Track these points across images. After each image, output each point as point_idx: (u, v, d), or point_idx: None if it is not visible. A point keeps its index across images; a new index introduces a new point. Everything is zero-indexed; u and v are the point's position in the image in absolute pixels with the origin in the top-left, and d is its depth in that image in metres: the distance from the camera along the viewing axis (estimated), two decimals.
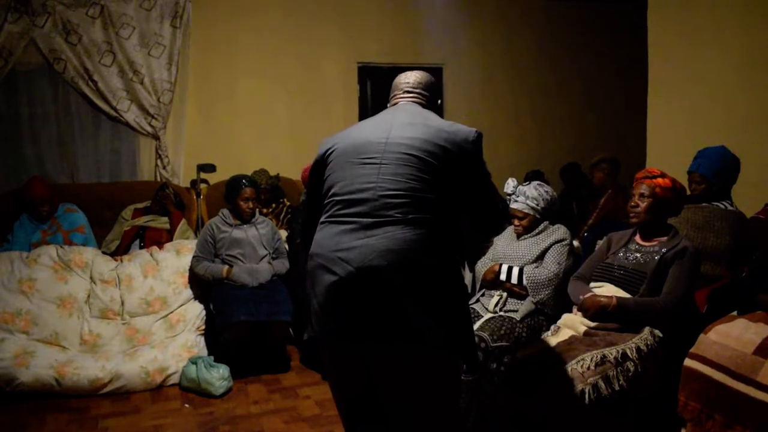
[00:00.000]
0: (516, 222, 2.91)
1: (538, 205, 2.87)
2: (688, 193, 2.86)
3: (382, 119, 1.86)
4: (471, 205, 1.82)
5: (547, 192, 2.94)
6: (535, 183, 2.99)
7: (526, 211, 2.87)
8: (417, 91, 1.94)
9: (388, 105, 1.98)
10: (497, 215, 1.91)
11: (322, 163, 1.85)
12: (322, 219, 1.79)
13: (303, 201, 4.15)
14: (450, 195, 1.74)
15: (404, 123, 1.80)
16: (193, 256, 3.60)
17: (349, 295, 1.65)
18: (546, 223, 2.93)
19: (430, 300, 1.66)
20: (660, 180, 2.47)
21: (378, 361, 1.71)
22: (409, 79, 1.96)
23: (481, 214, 1.86)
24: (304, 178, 3.89)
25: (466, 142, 1.78)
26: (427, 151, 1.73)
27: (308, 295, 1.78)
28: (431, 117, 1.85)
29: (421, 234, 1.67)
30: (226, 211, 3.67)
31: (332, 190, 1.77)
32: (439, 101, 1.99)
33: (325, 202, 1.79)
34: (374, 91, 5.78)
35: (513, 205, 2.91)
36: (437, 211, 1.71)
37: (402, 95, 1.94)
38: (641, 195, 2.48)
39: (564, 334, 2.42)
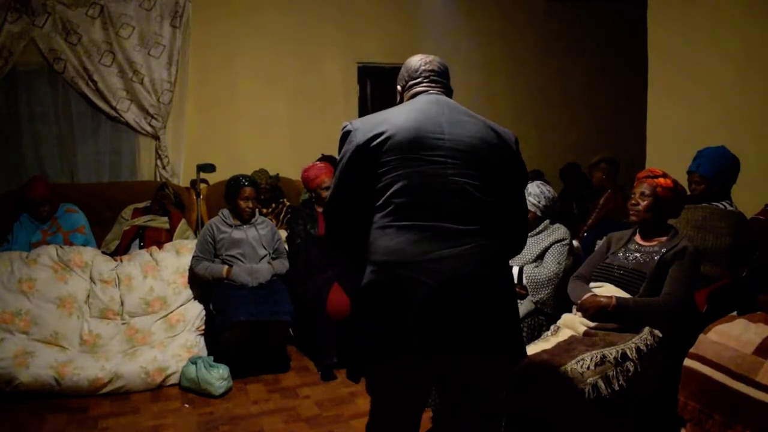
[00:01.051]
0: None
1: (539, 202, 2.88)
2: (688, 193, 2.86)
3: (423, 108, 1.71)
4: (510, 210, 1.75)
5: (549, 191, 2.95)
6: (537, 182, 3.00)
7: (528, 208, 2.88)
8: (443, 81, 1.85)
9: (409, 91, 1.84)
10: (525, 224, 1.88)
11: (368, 152, 1.65)
12: (384, 222, 1.63)
13: (304, 200, 4.15)
14: (501, 198, 1.70)
15: (454, 118, 1.70)
16: (193, 256, 3.60)
17: (446, 308, 1.57)
18: (546, 222, 2.93)
19: (509, 310, 1.69)
20: (661, 180, 2.47)
21: (461, 373, 1.68)
22: (433, 66, 1.85)
23: (517, 222, 1.79)
24: (303, 178, 3.89)
25: (513, 142, 1.76)
26: (487, 151, 1.68)
27: (374, 309, 1.62)
28: (468, 111, 1.76)
29: (498, 243, 1.66)
30: (226, 212, 3.67)
31: (393, 188, 1.62)
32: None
33: (382, 201, 1.64)
34: (374, 91, 5.78)
35: None
36: (498, 216, 1.69)
37: (428, 84, 1.82)
38: (642, 194, 2.48)
39: (564, 334, 2.42)
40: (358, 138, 1.66)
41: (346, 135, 1.70)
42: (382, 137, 1.64)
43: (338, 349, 3.18)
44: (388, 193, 1.63)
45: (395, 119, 1.68)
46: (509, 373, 2.05)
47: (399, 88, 1.90)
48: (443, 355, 1.61)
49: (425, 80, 1.83)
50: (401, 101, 1.89)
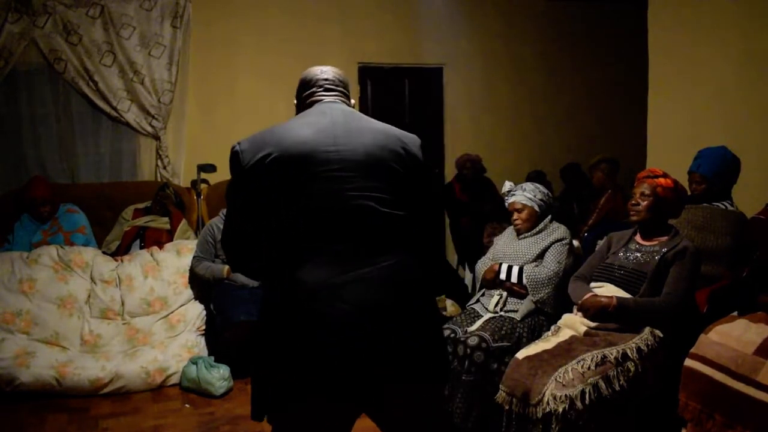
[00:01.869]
0: (515, 216, 2.92)
1: (535, 196, 2.90)
2: (689, 193, 2.86)
3: (314, 121, 1.56)
4: (421, 222, 1.61)
5: (543, 190, 2.97)
6: (530, 183, 3.03)
7: (524, 202, 2.89)
8: (339, 89, 1.69)
9: (303, 103, 1.70)
10: (437, 237, 1.73)
11: (254, 175, 1.48)
12: (280, 248, 1.50)
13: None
14: (412, 209, 1.57)
15: (349, 126, 1.55)
16: (194, 257, 3.60)
17: (352, 337, 1.43)
18: (546, 222, 2.93)
19: (426, 333, 1.54)
20: (662, 180, 2.47)
21: (382, 410, 1.55)
22: (327, 75, 1.69)
23: (429, 235, 1.67)
24: None
25: (417, 147, 1.60)
26: (389, 160, 1.53)
27: (274, 348, 1.48)
28: (369, 119, 1.62)
29: (410, 260, 1.53)
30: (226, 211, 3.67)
31: (288, 211, 1.48)
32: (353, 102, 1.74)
33: (277, 225, 1.49)
34: (374, 91, 5.78)
35: (510, 200, 2.94)
36: (410, 230, 1.55)
37: (323, 93, 1.66)
38: (642, 194, 2.48)
39: (564, 335, 2.42)
40: (244, 160, 1.50)
41: (233, 157, 1.53)
42: (269, 158, 1.47)
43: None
44: (283, 217, 1.48)
45: (282, 135, 1.52)
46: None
47: (295, 102, 1.76)
48: (357, 393, 1.48)
49: (319, 89, 1.67)
50: None
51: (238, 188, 1.54)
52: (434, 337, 1.58)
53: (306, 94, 1.70)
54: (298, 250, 1.48)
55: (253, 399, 1.61)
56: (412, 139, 1.62)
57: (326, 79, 1.68)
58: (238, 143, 1.54)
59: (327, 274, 1.44)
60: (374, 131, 1.58)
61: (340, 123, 1.56)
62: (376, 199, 1.50)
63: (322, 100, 1.65)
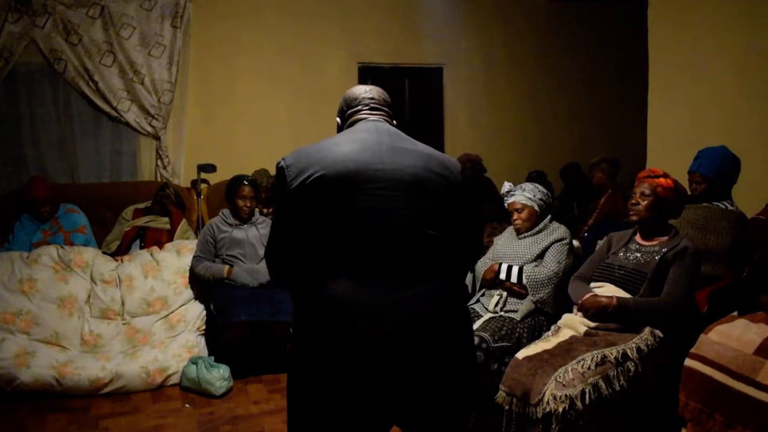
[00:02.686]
0: (515, 216, 2.93)
1: (535, 196, 2.91)
2: (689, 193, 2.86)
3: (361, 138, 1.58)
4: (460, 244, 1.63)
5: (543, 190, 2.98)
6: (530, 183, 3.04)
7: (523, 202, 2.90)
8: (384, 109, 1.71)
9: (347, 120, 1.71)
10: (474, 260, 1.76)
11: (301, 192, 1.49)
12: (326, 265, 1.48)
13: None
14: (451, 231, 1.58)
15: (395, 146, 1.57)
16: (194, 256, 3.60)
17: (398, 361, 1.43)
18: (546, 221, 2.94)
19: (466, 356, 1.57)
20: (662, 180, 2.47)
21: (420, 424, 1.55)
22: (372, 93, 1.72)
23: (468, 258, 1.71)
24: None
25: (458, 171, 1.64)
26: (433, 181, 1.55)
27: (316, 367, 1.46)
28: (414, 141, 1.64)
29: (452, 281, 1.56)
30: (226, 211, 3.68)
31: (334, 228, 1.48)
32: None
33: (323, 242, 1.48)
34: None
35: (510, 200, 2.95)
36: (451, 252, 1.57)
37: (368, 111, 1.69)
38: (642, 194, 2.48)
39: (564, 335, 2.42)
40: (290, 176, 1.51)
41: (279, 173, 1.54)
42: (315, 176, 1.48)
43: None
44: (329, 233, 1.47)
45: (329, 153, 1.53)
46: None
47: (338, 120, 1.77)
48: (399, 412, 1.48)
49: (365, 108, 1.69)
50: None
51: (285, 206, 1.54)
52: (472, 360, 1.61)
53: (351, 112, 1.71)
54: (342, 267, 1.47)
55: (292, 418, 1.57)
56: (453, 163, 1.65)
57: (372, 98, 1.71)
58: (283, 159, 1.55)
59: (372, 294, 1.44)
60: (419, 152, 1.59)
61: (386, 142, 1.57)
62: (419, 219, 1.51)
63: (367, 118, 1.67)
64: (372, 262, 1.47)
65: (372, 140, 1.57)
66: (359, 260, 1.47)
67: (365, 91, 1.72)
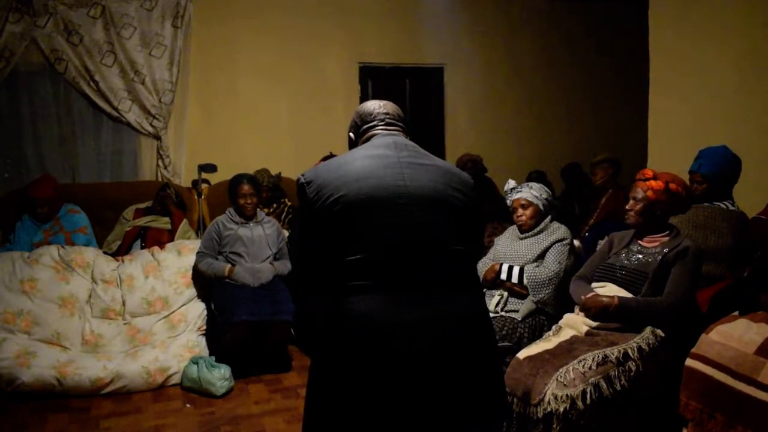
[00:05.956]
0: (519, 212, 2.93)
1: (540, 195, 2.92)
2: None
3: (380, 154, 1.57)
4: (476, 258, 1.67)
5: (548, 191, 3.00)
6: (536, 182, 3.05)
7: (530, 199, 2.90)
8: (399, 124, 1.70)
9: (363, 136, 1.69)
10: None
11: (322, 210, 1.49)
12: (351, 282, 1.45)
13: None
14: (468, 244, 1.58)
15: (414, 161, 1.57)
16: (198, 252, 3.61)
17: (431, 377, 1.42)
18: (546, 222, 2.94)
19: (493, 369, 1.56)
20: (652, 183, 2.47)
21: None
22: (387, 109, 1.71)
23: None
24: None
25: (471, 186, 1.64)
26: (451, 196, 1.55)
27: (343, 386, 1.44)
28: (431, 155, 1.64)
29: (477, 295, 1.57)
30: (232, 210, 3.69)
31: (358, 244, 1.46)
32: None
33: (348, 258, 1.46)
34: (375, 91, 5.78)
35: (515, 196, 2.95)
36: (468, 262, 1.58)
37: (384, 127, 1.67)
38: (634, 198, 2.50)
39: (565, 334, 2.42)
40: (311, 193, 1.51)
41: (300, 189, 1.55)
42: (336, 194, 1.48)
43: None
44: (353, 249, 1.45)
45: (349, 169, 1.52)
46: None
47: (351, 135, 1.74)
48: (431, 428, 1.46)
49: (381, 123, 1.68)
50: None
51: (308, 224, 1.54)
52: (500, 372, 1.61)
53: (367, 127, 1.69)
54: (370, 283, 1.45)
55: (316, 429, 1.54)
56: (467, 177, 1.66)
57: (387, 113, 1.70)
58: (303, 175, 1.55)
59: (404, 311, 1.43)
60: (438, 167, 1.60)
61: (406, 158, 1.57)
62: (443, 234, 1.52)
63: (383, 133, 1.66)
64: (400, 279, 1.46)
65: (392, 156, 1.57)
66: (387, 277, 1.45)
67: (380, 106, 1.71)
